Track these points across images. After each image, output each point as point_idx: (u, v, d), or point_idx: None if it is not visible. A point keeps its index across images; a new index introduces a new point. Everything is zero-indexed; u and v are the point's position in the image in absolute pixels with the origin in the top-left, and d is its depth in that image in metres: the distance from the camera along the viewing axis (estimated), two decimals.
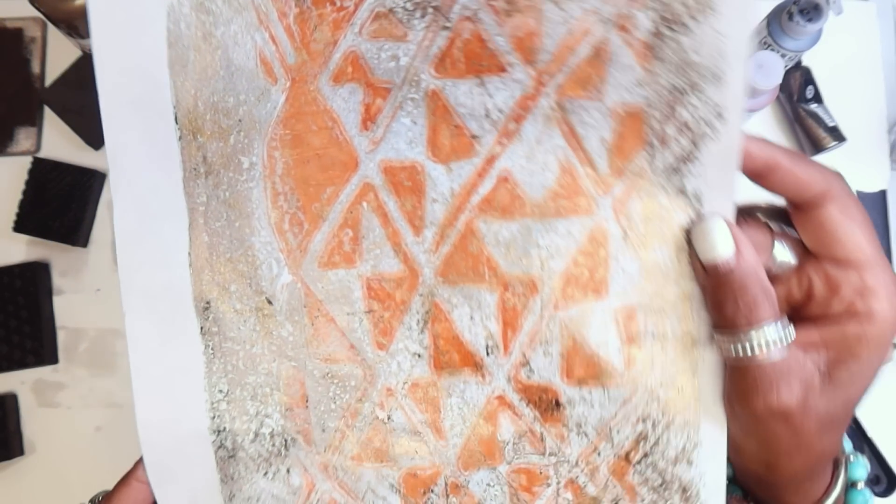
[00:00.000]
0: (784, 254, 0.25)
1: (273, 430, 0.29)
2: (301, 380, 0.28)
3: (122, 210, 0.27)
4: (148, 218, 0.27)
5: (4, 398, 0.64)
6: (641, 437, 0.27)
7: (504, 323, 0.27)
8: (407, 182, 0.27)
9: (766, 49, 0.66)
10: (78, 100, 0.69)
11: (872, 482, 0.65)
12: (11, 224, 0.67)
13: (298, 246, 0.28)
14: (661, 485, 0.27)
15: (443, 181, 0.27)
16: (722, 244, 0.23)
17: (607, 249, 0.26)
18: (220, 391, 0.28)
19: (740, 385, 0.24)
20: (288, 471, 0.29)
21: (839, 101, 0.73)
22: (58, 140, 0.71)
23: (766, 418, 0.24)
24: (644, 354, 0.26)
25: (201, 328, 0.28)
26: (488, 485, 0.28)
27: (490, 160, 0.26)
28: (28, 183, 0.68)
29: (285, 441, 0.29)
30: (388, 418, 0.28)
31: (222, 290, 0.28)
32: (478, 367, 0.27)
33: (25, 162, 0.69)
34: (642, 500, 0.27)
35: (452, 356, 0.27)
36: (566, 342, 0.27)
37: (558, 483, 0.28)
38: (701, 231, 0.24)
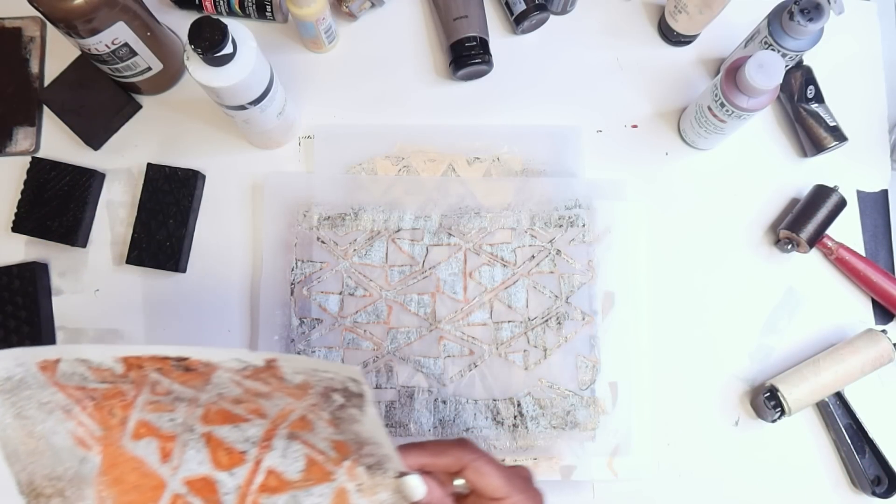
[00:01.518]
0: (460, 482, 0.42)
1: None
2: None
3: None
4: None
5: None
6: None
7: None
8: (204, 487, 0.40)
9: (767, 49, 0.65)
10: (77, 100, 0.69)
11: (874, 483, 0.65)
12: (10, 224, 0.67)
13: None
14: None
15: (228, 482, 0.40)
16: (418, 489, 0.39)
17: (349, 499, 0.40)
18: None
19: None
20: None
21: (840, 100, 0.72)
22: (57, 140, 0.71)
23: None
24: None
25: None
26: None
27: (258, 462, 0.40)
28: (27, 183, 0.68)
29: None
30: None
31: None
32: None
33: (24, 162, 0.69)
34: None
35: None
36: None
37: None
38: (405, 483, 0.39)
